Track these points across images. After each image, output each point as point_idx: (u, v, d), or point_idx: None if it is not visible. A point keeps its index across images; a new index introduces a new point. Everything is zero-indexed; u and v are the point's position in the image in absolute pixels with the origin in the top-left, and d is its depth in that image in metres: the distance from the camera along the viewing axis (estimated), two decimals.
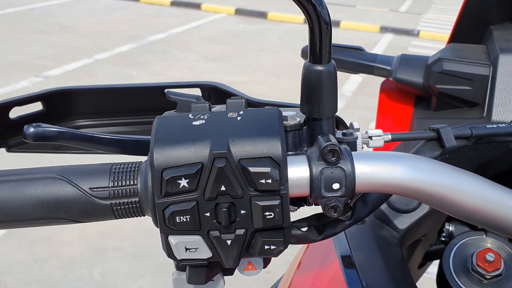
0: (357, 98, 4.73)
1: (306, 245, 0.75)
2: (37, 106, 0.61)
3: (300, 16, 7.89)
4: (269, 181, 0.36)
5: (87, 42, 6.29)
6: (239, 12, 8.45)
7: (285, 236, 0.39)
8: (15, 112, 0.59)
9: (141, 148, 0.50)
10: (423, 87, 0.76)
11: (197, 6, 8.72)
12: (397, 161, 0.41)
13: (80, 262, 2.50)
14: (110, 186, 0.39)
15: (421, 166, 0.41)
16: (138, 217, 0.42)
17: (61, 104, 0.61)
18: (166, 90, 0.45)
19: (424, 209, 0.70)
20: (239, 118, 0.39)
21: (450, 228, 0.71)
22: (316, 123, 0.43)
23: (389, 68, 0.80)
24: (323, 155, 0.39)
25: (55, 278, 2.40)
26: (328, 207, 0.39)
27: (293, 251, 0.78)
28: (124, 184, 0.39)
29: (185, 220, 0.37)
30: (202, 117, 0.39)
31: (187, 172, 0.36)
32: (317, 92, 0.41)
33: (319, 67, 0.40)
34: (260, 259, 0.43)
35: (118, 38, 6.54)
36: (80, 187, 0.39)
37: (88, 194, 0.39)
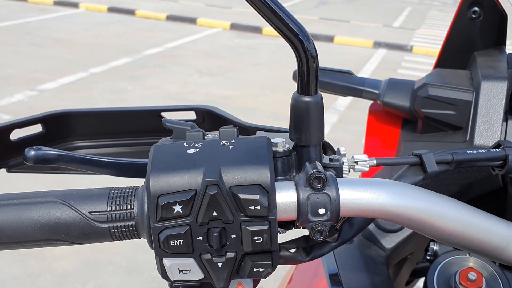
0: (350, 112, 4.77)
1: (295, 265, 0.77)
2: (37, 128, 0.63)
3: None
4: (258, 207, 0.38)
5: (83, 55, 6.32)
6: (234, 27, 8.52)
7: (273, 259, 0.41)
8: (16, 134, 0.61)
9: (137, 170, 0.53)
10: (410, 111, 0.78)
11: (192, 21, 8.79)
12: (379, 188, 0.43)
13: (73, 277, 2.49)
14: (108, 210, 0.42)
15: (402, 192, 0.44)
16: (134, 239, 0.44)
17: (60, 126, 0.63)
18: (163, 119, 0.48)
19: (409, 229, 0.72)
20: (231, 146, 0.41)
21: (435, 248, 0.73)
22: (304, 150, 0.45)
23: (377, 91, 0.83)
24: (310, 182, 0.41)
25: None
26: (314, 231, 0.42)
27: (283, 271, 0.80)
28: (121, 208, 0.42)
29: (178, 243, 0.39)
30: (196, 145, 0.41)
31: (181, 199, 0.38)
32: (305, 121, 0.44)
33: (307, 98, 0.43)
34: (249, 280, 0.45)
35: (113, 51, 6.57)
36: (80, 211, 0.41)
37: (87, 218, 0.41)
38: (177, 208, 0.38)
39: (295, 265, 0.76)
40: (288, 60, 6.41)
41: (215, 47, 7.21)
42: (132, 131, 0.66)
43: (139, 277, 2.53)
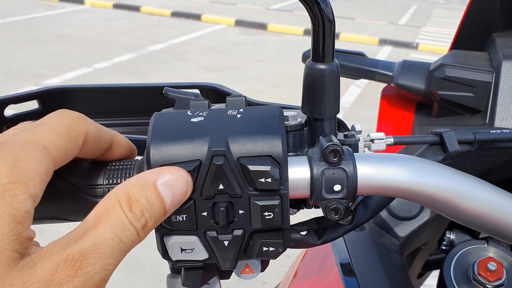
0: (355, 109, 4.73)
1: (304, 252, 0.74)
2: (33, 105, 0.60)
3: (299, 28, 7.93)
4: (269, 180, 0.35)
5: (87, 51, 6.31)
6: (239, 23, 8.49)
7: (284, 238, 0.38)
8: (10, 110, 0.58)
9: (137, 147, 0.49)
10: (425, 93, 0.75)
11: (197, 17, 8.77)
12: (400, 163, 0.40)
13: None
14: (105, 183, 0.38)
15: (425, 169, 0.40)
16: None
17: (57, 103, 0.60)
18: (164, 88, 0.44)
19: (424, 216, 0.69)
20: (239, 115, 0.38)
21: (451, 237, 0.70)
22: (318, 123, 0.42)
23: (390, 74, 0.79)
24: (325, 156, 0.38)
25: None
26: (328, 209, 0.38)
27: (291, 259, 0.76)
28: (119, 182, 0.38)
29: (181, 219, 0.36)
30: (201, 114, 0.38)
31: (185, 169, 0.35)
32: (319, 91, 0.40)
33: (322, 66, 0.39)
34: (258, 262, 0.42)
35: (118, 47, 6.55)
36: (74, 184, 0.38)
37: (82, 192, 0.38)
38: None
39: (301, 256, 0.73)
40: (293, 57, 6.38)
41: (220, 43, 7.19)
42: (132, 109, 0.62)
43: (141, 272, 2.50)
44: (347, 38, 7.82)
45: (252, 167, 0.35)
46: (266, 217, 0.36)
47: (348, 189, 0.38)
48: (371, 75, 0.81)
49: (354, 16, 9.68)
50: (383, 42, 7.70)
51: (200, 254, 0.37)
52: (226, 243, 0.37)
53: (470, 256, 0.65)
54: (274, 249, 0.38)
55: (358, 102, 4.89)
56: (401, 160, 0.40)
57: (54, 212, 0.38)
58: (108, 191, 0.38)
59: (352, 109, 4.74)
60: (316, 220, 0.48)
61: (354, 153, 0.40)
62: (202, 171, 0.35)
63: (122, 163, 0.39)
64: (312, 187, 0.38)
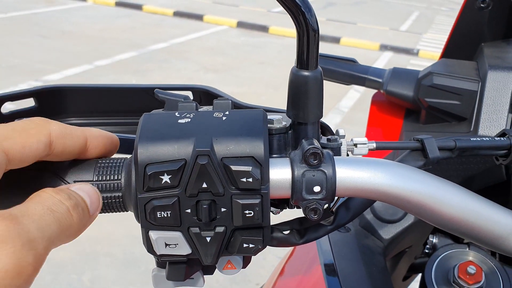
0: (354, 114, 4.75)
1: (290, 251, 0.76)
2: (30, 102, 0.61)
3: None
4: (250, 180, 0.37)
5: (88, 48, 6.32)
6: (241, 25, 8.51)
7: (264, 235, 0.40)
8: (7, 107, 0.59)
9: (128, 146, 0.51)
10: (413, 100, 0.77)
11: (199, 18, 8.78)
12: (378, 167, 0.42)
13: (70, 267, 2.48)
14: (94, 180, 0.40)
15: (401, 173, 0.42)
16: (122, 213, 0.43)
17: (53, 102, 0.62)
18: (155, 90, 0.46)
19: (409, 220, 0.71)
20: (224, 118, 0.39)
21: (434, 240, 0.71)
22: (301, 127, 0.44)
23: (380, 80, 0.81)
24: (305, 158, 0.40)
25: (44, 282, 2.38)
26: (308, 209, 0.40)
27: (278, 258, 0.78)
28: (108, 178, 0.40)
29: (166, 215, 0.37)
30: (188, 115, 0.40)
31: (170, 168, 0.37)
32: (303, 97, 0.42)
33: (306, 73, 0.41)
34: (239, 258, 0.43)
35: (119, 45, 6.57)
36: (64, 179, 0.40)
37: None
38: (165, 178, 0.37)
39: (288, 255, 0.75)
40: (294, 59, 6.38)
41: (221, 44, 7.20)
42: (126, 109, 0.64)
43: (136, 269, 2.51)
44: (347, 43, 7.84)
45: (234, 167, 0.36)
46: (247, 215, 0.38)
47: (327, 190, 0.40)
48: (361, 81, 0.83)
49: (355, 21, 9.70)
50: (384, 47, 7.72)
51: (183, 249, 0.39)
52: (208, 239, 0.39)
53: (451, 259, 0.66)
54: (254, 246, 0.39)
55: (357, 107, 4.90)
56: (379, 164, 0.42)
57: None
58: (97, 187, 0.40)
59: (350, 113, 4.76)
60: (299, 220, 0.49)
61: (335, 157, 0.42)
62: (187, 170, 0.37)
63: (111, 161, 0.41)
64: (293, 188, 0.40)
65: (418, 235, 0.74)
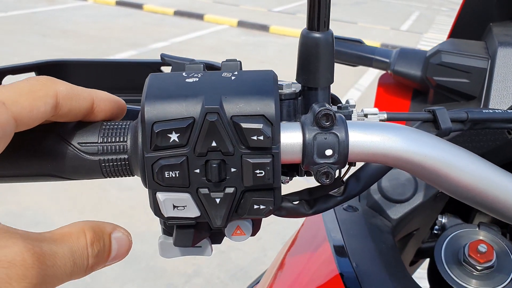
0: (372, 91, 4.74)
1: (296, 231, 0.75)
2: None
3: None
4: (261, 138, 0.35)
5: (88, 47, 6.31)
6: (241, 24, 8.51)
7: (275, 196, 0.38)
8: (8, 80, 0.58)
9: (133, 116, 0.50)
10: (421, 80, 0.76)
11: (200, 17, 8.78)
12: (393, 131, 0.40)
13: None
14: (99, 141, 0.39)
15: (417, 137, 0.41)
16: (127, 177, 0.42)
17: (54, 75, 0.60)
18: (161, 54, 0.45)
19: (417, 199, 0.70)
20: (233, 77, 0.38)
21: (443, 220, 0.70)
22: (312, 92, 0.43)
23: (387, 60, 0.80)
24: (317, 120, 0.39)
25: None
26: (320, 173, 0.39)
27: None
28: (113, 140, 0.39)
29: (174, 175, 0.36)
30: (195, 75, 0.39)
31: (178, 126, 0.35)
32: (314, 60, 0.41)
33: (317, 34, 0.40)
34: (249, 224, 0.42)
35: (119, 44, 6.56)
36: (68, 141, 0.39)
37: (76, 149, 0.38)
38: (174, 137, 0.35)
39: (295, 233, 0.73)
40: (295, 59, 6.36)
41: (222, 43, 7.20)
42: (131, 85, 0.63)
43: (137, 266, 2.50)
44: None
45: (244, 125, 0.35)
46: (258, 175, 0.36)
47: (340, 154, 0.39)
48: (368, 62, 0.82)
49: (356, 20, 9.70)
50: (384, 46, 7.70)
51: (192, 211, 0.38)
52: (217, 200, 0.37)
53: (461, 239, 0.65)
54: (264, 207, 0.38)
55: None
56: (393, 128, 0.41)
57: (49, 169, 0.39)
58: (102, 149, 0.39)
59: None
60: (308, 190, 0.48)
61: (347, 121, 0.41)
62: (196, 128, 0.36)
63: (116, 123, 0.40)
64: (304, 152, 0.39)
65: (426, 216, 0.73)
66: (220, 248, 2.64)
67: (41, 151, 0.38)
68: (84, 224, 0.34)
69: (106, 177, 0.40)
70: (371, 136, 0.40)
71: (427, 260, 0.84)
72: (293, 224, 2.85)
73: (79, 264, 0.32)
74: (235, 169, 0.37)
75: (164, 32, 7.55)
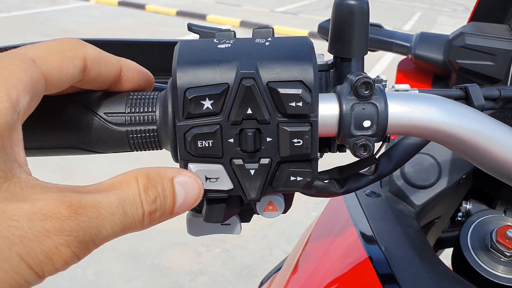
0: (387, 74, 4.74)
1: (316, 219, 0.73)
2: None
3: (304, 31, 7.93)
4: (300, 104, 0.34)
5: None
6: (244, 24, 8.49)
7: (312, 168, 0.37)
8: None
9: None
10: (443, 63, 0.74)
11: (202, 17, 8.77)
12: (434, 103, 0.39)
13: None
14: (126, 112, 0.37)
15: (458, 110, 0.39)
16: (155, 151, 0.40)
17: None
18: (188, 23, 0.43)
19: (441, 185, 0.68)
20: (267, 43, 0.36)
21: (468, 207, 0.68)
22: (345, 64, 0.41)
23: (408, 44, 0.78)
24: (356, 89, 0.37)
25: (48, 277, 2.35)
26: (357, 146, 0.37)
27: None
28: (141, 110, 0.37)
29: (207, 145, 0.35)
30: (227, 41, 0.37)
31: (212, 92, 0.34)
32: (348, 29, 0.40)
33: (351, 1, 0.39)
34: (281, 199, 0.40)
35: None
36: (94, 111, 0.37)
37: (102, 119, 0.37)
38: (207, 104, 0.34)
39: (315, 220, 0.72)
40: None
41: None
42: (150, 66, 0.61)
43: (142, 264, 2.49)
44: None
45: (282, 90, 0.34)
46: (295, 144, 0.35)
47: (378, 125, 0.37)
48: (388, 46, 0.80)
49: None
50: None
51: (225, 183, 0.36)
52: (252, 172, 0.36)
53: (487, 224, 0.63)
54: (302, 179, 0.36)
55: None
56: (434, 100, 0.39)
57: (74, 141, 0.37)
58: (130, 119, 0.37)
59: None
60: (339, 169, 0.47)
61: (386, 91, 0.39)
62: (230, 94, 0.34)
63: (144, 94, 0.38)
64: (340, 123, 0.37)
65: (450, 202, 0.71)
66: (224, 247, 2.63)
67: (65, 121, 0.37)
68: (137, 171, 0.32)
69: (133, 150, 0.39)
70: (412, 107, 0.38)
71: (446, 250, 0.83)
72: (298, 223, 2.83)
73: (131, 213, 0.30)
74: (270, 139, 0.35)
75: (166, 32, 7.54)
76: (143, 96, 0.38)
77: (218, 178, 0.36)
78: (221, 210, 0.39)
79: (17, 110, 0.28)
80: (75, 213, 0.27)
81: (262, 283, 0.97)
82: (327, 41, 0.44)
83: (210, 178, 0.36)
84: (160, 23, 8.22)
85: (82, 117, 0.37)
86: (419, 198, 0.67)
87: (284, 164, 0.36)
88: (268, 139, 0.35)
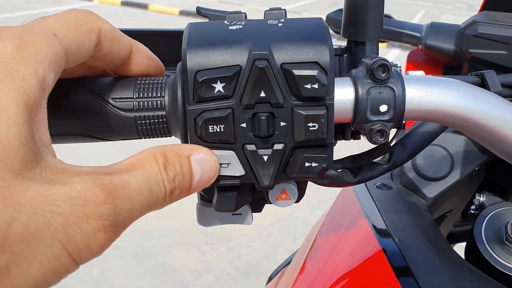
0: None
1: (325, 213, 0.71)
2: None
3: None
4: (315, 86, 0.32)
5: None
6: None
7: (328, 153, 0.35)
8: None
9: None
10: (455, 53, 0.72)
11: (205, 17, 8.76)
12: (452, 87, 0.37)
13: None
14: (134, 97, 0.36)
15: (479, 95, 0.38)
16: (164, 138, 0.39)
17: None
18: (196, 6, 0.42)
19: (454, 177, 0.66)
20: (280, 24, 0.35)
21: (481, 199, 0.67)
22: (359, 48, 0.40)
23: (418, 35, 0.77)
24: (372, 71, 0.35)
25: None
26: (373, 131, 0.36)
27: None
28: (150, 95, 0.36)
29: (218, 130, 0.33)
30: (238, 23, 0.36)
31: (224, 74, 0.32)
32: (363, 11, 0.38)
33: None
34: (294, 187, 0.39)
35: None
36: (101, 96, 0.36)
37: (109, 105, 0.36)
38: (218, 87, 0.32)
39: (325, 213, 0.70)
40: None
41: None
42: (160, 56, 0.60)
43: (146, 263, 2.48)
44: None
45: (297, 72, 0.32)
46: (310, 128, 0.33)
47: (395, 110, 0.36)
48: (398, 37, 0.79)
49: None
50: (391, 45, 7.67)
51: (237, 170, 0.35)
52: (265, 158, 0.34)
53: (502, 217, 0.62)
54: (317, 164, 0.35)
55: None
56: (452, 84, 0.38)
57: (81, 127, 0.36)
58: (138, 105, 0.36)
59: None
60: (352, 158, 0.45)
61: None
62: (243, 76, 0.32)
63: (152, 79, 0.37)
64: (356, 109, 0.36)
65: (462, 196, 0.70)
66: (229, 245, 2.62)
67: (71, 107, 0.35)
68: (154, 149, 0.31)
69: (142, 138, 0.37)
70: (430, 91, 0.37)
71: (457, 245, 0.81)
72: (303, 222, 2.82)
73: (156, 191, 0.29)
74: (285, 123, 0.34)
75: None
76: (152, 81, 0.37)
77: (230, 163, 0.35)
78: (232, 199, 0.37)
79: (43, 88, 0.27)
80: (110, 195, 0.26)
81: (270, 278, 0.96)
82: (336, 32, 0.42)
83: (221, 164, 0.35)
84: (163, 22, 8.22)
85: (89, 102, 0.36)
86: (431, 190, 0.66)
87: (299, 150, 0.35)
88: (282, 124, 0.34)
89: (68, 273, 0.26)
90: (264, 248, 2.65)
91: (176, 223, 2.64)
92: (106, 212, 0.26)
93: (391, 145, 0.44)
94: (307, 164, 0.35)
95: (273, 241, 2.71)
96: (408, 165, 0.68)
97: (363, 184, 0.67)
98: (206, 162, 0.33)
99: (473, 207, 0.68)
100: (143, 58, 0.37)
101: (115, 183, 0.27)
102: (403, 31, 0.78)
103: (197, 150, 0.33)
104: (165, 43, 0.59)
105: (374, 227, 0.57)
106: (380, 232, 0.55)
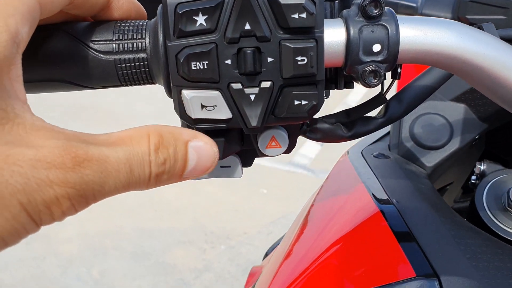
0: None
1: (320, 186, 0.69)
2: None
3: None
4: (303, 15, 0.30)
5: None
6: None
7: (318, 90, 0.33)
8: None
9: None
10: None
11: None
12: (449, 27, 0.36)
13: (79, 260, 2.43)
14: (114, 39, 0.34)
15: (478, 36, 0.36)
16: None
17: None
18: None
19: (453, 146, 0.65)
20: None
21: (482, 167, 0.65)
22: None
23: (414, 5, 0.75)
24: (364, 8, 0.34)
25: (53, 276, 2.33)
26: (367, 72, 0.34)
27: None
28: (130, 37, 0.34)
29: (201, 67, 0.31)
30: None
31: (206, 5, 0.30)
32: None
33: None
34: (285, 134, 0.37)
35: None
36: (80, 39, 0.34)
37: (88, 47, 0.34)
38: (200, 20, 0.31)
39: (320, 187, 0.68)
40: None
41: None
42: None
43: (146, 262, 2.45)
44: None
45: (284, 0, 0.30)
46: (299, 62, 0.31)
47: (389, 50, 0.34)
48: (393, 8, 0.77)
49: None
50: None
51: (223, 111, 0.33)
52: (252, 97, 0.33)
53: (503, 184, 0.60)
54: (307, 102, 0.33)
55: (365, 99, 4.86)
56: (449, 24, 0.36)
57: (60, 73, 0.34)
58: (118, 47, 0.34)
59: None
60: (346, 112, 0.44)
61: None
62: (226, 7, 0.31)
63: (132, 22, 0.36)
64: (347, 50, 0.34)
65: (462, 166, 0.68)
66: (230, 244, 2.60)
67: (50, 52, 0.34)
68: (151, 127, 0.30)
69: (123, 84, 0.36)
70: (425, 30, 0.35)
71: None
72: None
73: (138, 172, 0.28)
74: (272, 59, 0.32)
75: None
76: (132, 23, 0.35)
77: (215, 106, 0.33)
78: (219, 145, 0.36)
79: (16, 42, 0.26)
80: (79, 165, 0.25)
81: (267, 254, 0.94)
82: None
83: (206, 106, 0.33)
84: None
85: (67, 46, 0.34)
86: (430, 159, 0.64)
87: (287, 88, 0.33)
88: (269, 59, 0.32)
89: (28, 234, 0.25)
90: (264, 246, 2.63)
91: (176, 223, 2.63)
92: (72, 180, 0.25)
93: (385, 95, 0.42)
94: (296, 103, 0.33)
95: (274, 238, 2.69)
96: (406, 134, 0.66)
97: (360, 153, 0.65)
98: (204, 151, 0.32)
99: (473, 176, 0.66)
100: (123, 1, 0.36)
101: (90, 154, 0.26)
102: (398, 1, 0.77)
103: (198, 137, 0.32)
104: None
105: (371, 190, 0.55)
106: (377, 195, 0.54)
